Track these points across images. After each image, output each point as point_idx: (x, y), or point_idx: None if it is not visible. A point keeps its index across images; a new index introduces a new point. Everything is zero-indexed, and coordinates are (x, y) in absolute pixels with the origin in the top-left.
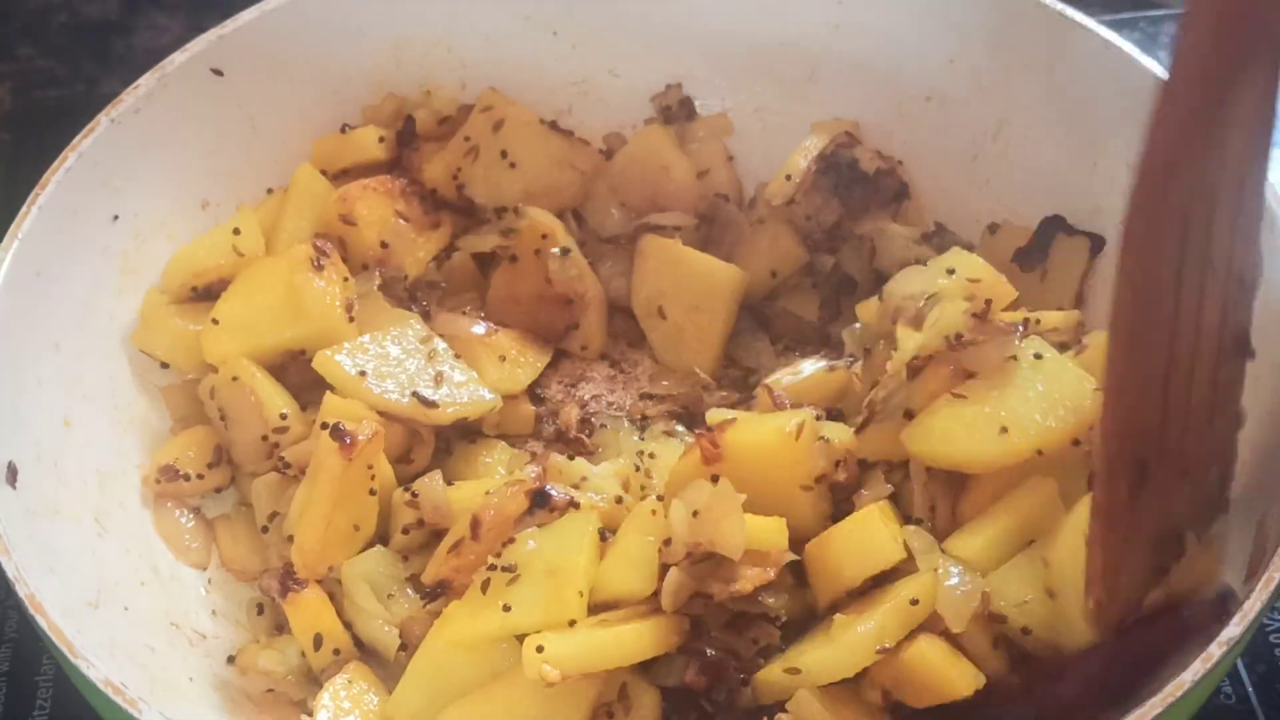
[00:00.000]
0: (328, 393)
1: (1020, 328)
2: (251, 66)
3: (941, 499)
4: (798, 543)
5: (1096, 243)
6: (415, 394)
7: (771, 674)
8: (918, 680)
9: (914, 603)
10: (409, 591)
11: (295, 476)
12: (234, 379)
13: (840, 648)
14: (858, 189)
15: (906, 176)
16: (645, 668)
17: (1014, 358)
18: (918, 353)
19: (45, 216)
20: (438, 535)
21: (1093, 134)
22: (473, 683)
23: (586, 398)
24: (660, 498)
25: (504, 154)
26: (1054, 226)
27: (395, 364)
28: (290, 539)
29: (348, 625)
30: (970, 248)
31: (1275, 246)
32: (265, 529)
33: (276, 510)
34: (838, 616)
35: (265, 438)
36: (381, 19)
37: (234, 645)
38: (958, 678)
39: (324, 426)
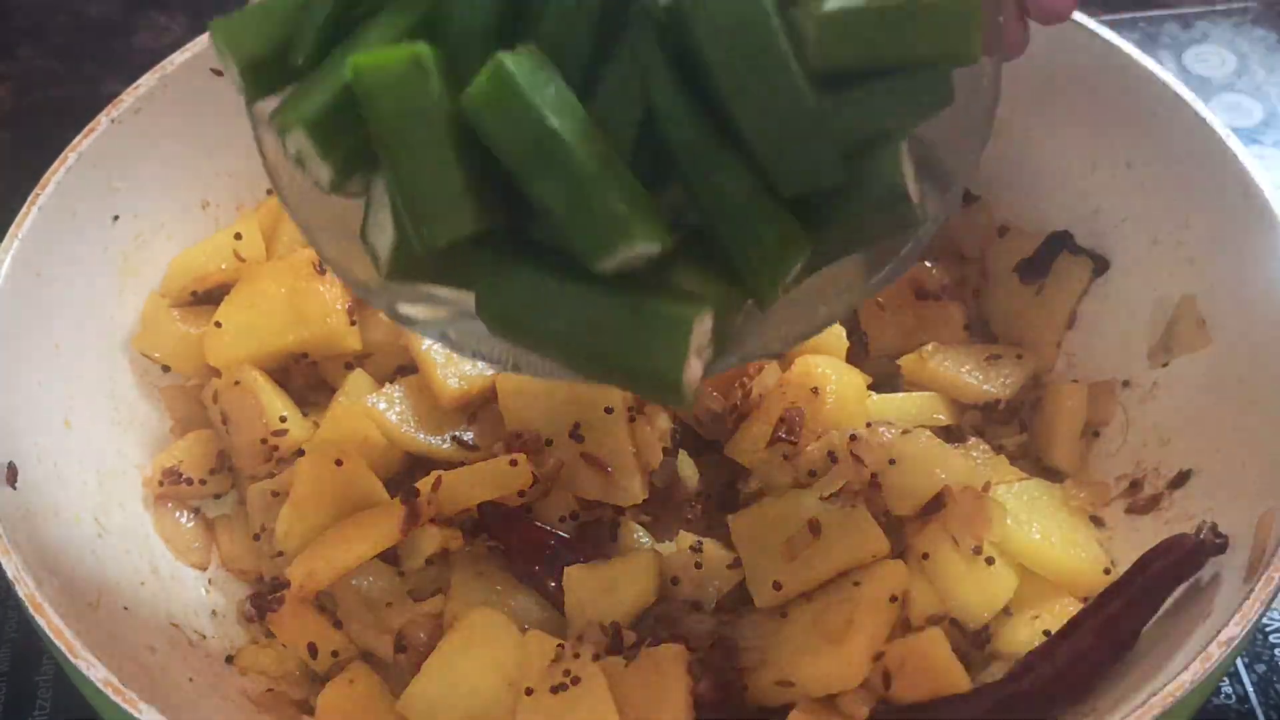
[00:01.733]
0: (331, 410)
1: None
2: None
3: None
4: None
5: (1100, 265)
6: (455, 438)
7: (761, 683)
8: (922, 672)
9: (893, 599)
10: (407, 599)
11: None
12: (236, 383)
13: (839, 662)
14: None
15: None
16: None
17: None
18: None
19: (45, 216)
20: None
21: (1091, 134)
22: (489, 681)
23: None
24: None
25: None
26: (1060, 243)
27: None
28: (280, 554)
29: (343, 629)
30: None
31: (1274, 246)
32: (257, 537)
33: (266, 523)
34: (801, 614)
35: (265, 440)
36: None
37: (234, 645)
38: (959, 673)
39: (300, 453)
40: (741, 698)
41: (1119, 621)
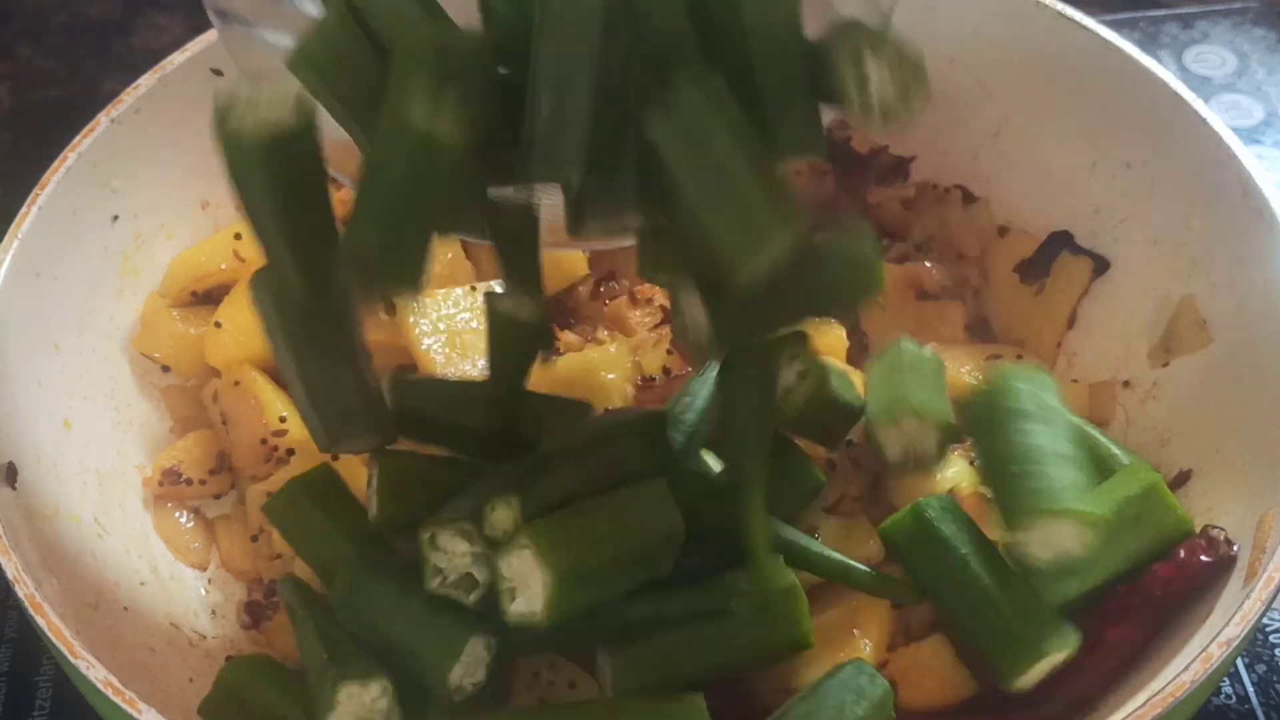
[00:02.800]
0: None
1: None
2: None
3: None
4: None
5: (1100, 265)
6: None
7: (766, 689)
8: (928, 678)
9: (895, 605)
10: None
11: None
12: (236, 384)
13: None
14: (854, 167)
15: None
16: None
17: None
18: None
19: (45, 217)
20: None
21: (1091, 134)
22: None
23: None
24: None
25: None
26: (1060, 243)
27: None
28: (278, 557)
29: None
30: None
31: (1274, 246)
32: (255, 538)
33: (264, 524)
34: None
35: (264, 441)
36: None
37: (234, 645)
38: (965, 676)
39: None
40: (748, 704)
41: (1129, 640)
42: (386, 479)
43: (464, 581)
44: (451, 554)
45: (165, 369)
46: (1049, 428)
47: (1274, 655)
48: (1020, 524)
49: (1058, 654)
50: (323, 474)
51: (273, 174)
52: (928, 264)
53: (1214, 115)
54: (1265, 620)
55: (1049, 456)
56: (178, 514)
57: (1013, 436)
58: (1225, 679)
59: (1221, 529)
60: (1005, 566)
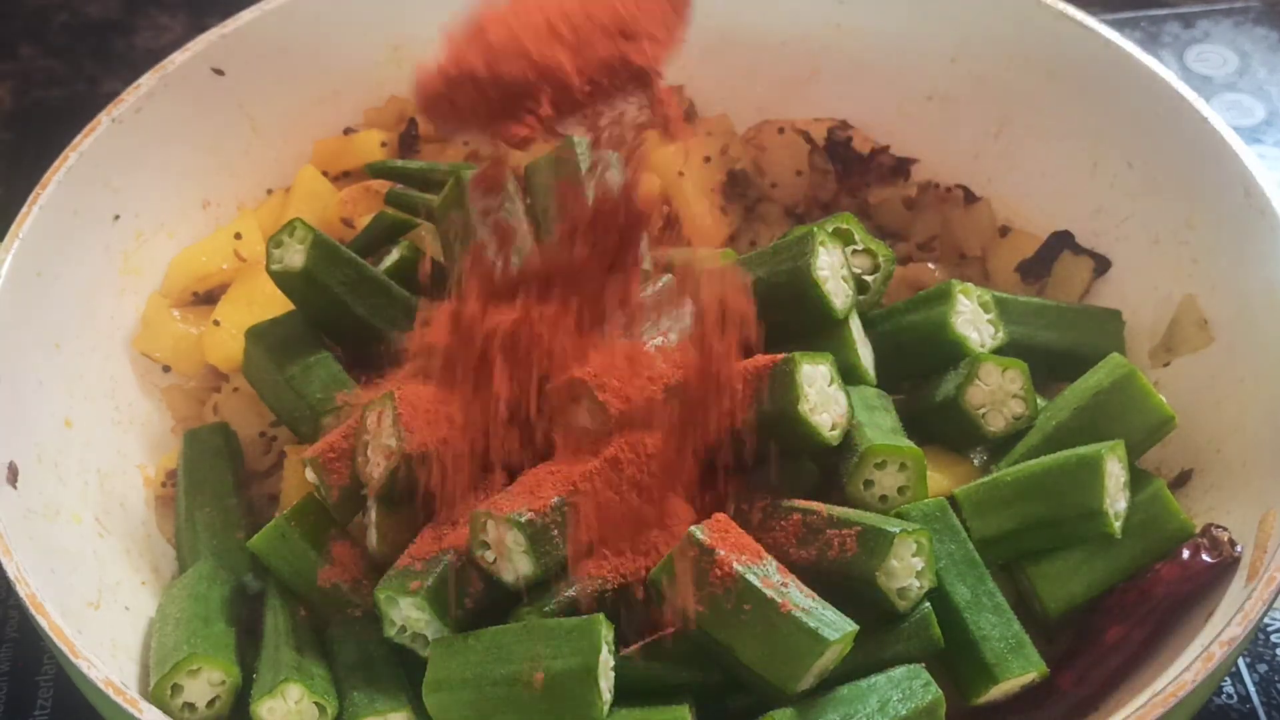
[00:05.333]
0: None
1: None
2: (252, 66)
3: None
4: None
5: (1101, 265)
6: None
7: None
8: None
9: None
10: None
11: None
12: (235, 390)
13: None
14: (855, 167)
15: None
16: None
17: None
18: None
19: (46, 216)
20: None
21: (1093, 134)
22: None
23: None
24: None
25: None
26: (1061, 243)
27: None
28: None
29: None
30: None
31: (1276, 246)
32: None
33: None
34: None
35: (263, 434)
36: (381, 19)
37: None
38: None
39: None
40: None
41: (1130, 640)
42: (386, 513)
43: (418, 638)
44: (409, 618)
45: (166, 369)
46: None
47: (1275, 655)
48: None
49: (1019, 678)
50: (309, 507)
51: None
52: (930, 264)
53: (1215, 114)
54: (1267, 620)
55: None
56: None
57: None
58: (1227, 678)
59: (1225, 529)
60: (982, 582)
